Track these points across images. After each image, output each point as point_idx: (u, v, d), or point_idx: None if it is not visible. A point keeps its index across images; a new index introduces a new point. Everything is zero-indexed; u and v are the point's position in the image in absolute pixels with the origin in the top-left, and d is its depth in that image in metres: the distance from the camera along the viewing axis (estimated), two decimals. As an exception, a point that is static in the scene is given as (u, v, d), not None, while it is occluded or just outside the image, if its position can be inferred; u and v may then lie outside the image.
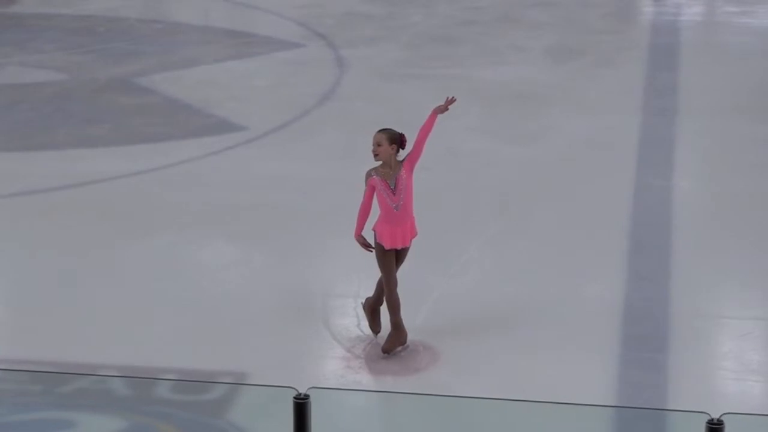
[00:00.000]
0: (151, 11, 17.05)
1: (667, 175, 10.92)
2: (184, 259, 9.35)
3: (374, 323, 8.10)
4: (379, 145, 7.70)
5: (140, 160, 11.34)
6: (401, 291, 7.83)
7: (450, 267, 9.02)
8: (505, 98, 13.08)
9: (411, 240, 7.85)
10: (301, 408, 5.00)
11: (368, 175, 7.78)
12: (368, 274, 8.50)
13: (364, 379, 7.64)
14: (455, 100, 7.88)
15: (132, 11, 16.79)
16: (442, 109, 7.85)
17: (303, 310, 8.47)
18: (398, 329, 7.86)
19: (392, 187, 7.73)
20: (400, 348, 7.89)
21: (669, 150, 11.58)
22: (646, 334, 8.12)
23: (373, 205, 7.81)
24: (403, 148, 7.76)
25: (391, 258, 7.79)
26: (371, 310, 8.08)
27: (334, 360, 7.88)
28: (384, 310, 7.97)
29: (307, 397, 5.02)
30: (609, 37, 15.50)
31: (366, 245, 7.86)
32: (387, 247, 7.77)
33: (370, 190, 7.78)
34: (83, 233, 9.78)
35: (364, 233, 7.87)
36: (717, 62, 14.38)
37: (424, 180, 10.60)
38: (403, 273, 7.91)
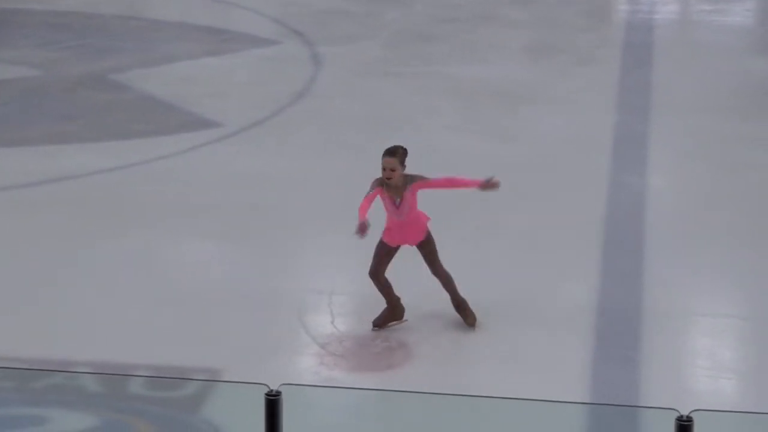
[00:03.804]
0: (127, 8, 16.97)
1: (641, 172, 10.96)
2: (158, 256, 9.32)
3: (466, 314, 8.09)
4: (393, 170, 7.73)
5: (116, 156, 11.30)
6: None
7: (424, 265, 9.00)
8: (483, 96, 13.09)
9: (416, 241, 7.94)
10: (273, 405, 4.99)
11: (376, 183, 7.79)
12: (343, 270, 8.52)
13: (338, 375, 7.64)
14: (498, 184, 7.97)
15: (108, 8, 16.70)
16: (487, 186, 7.97)
17: (278, 306, 8.46)
18: (394, 307, 7.98)
19: (397, 203, 7.82)
20: (395, 323, 7.96)
21: (644, 148, 11.62)
22: (620, 332, 8.14)
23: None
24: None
25: (383, 248, 7.88)
26: (457, 305, 8.09)
27: (308, 356, 7.88)
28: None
29: (278, 393, 5.02)
30: (585, 34, 15.53)
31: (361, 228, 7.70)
32: (384, 239, 7.90)
33: (374, 195, 7.78)
34: (57, 229, 9.73)
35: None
36: (692, 60, 14.43)
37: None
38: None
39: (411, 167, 10.84)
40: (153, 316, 8.32)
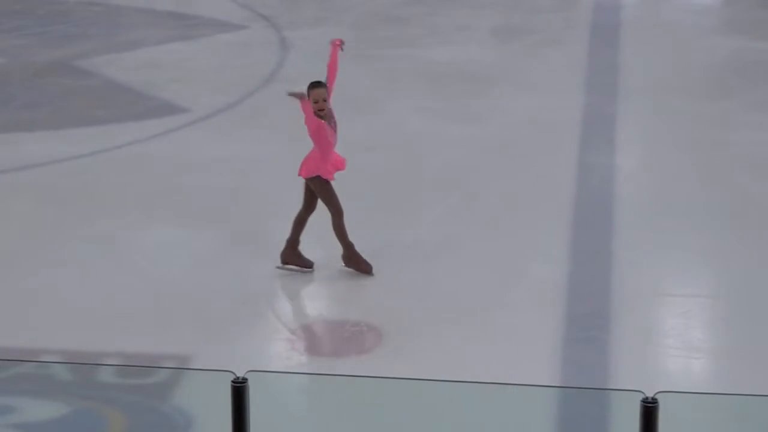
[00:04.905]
0: (92, -7, 16.87)
1: (610, 153, 10.98)
2: (126, 243, 9.27)
3: (301, 260, 8.37)
4: (325, 101, 8.08)
5: (82, 143, 11.23)
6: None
7: (394, 247, 9.01)
8: (451, 78, 13.09)
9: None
10: (239, 392, 4.97)
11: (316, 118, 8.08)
12: (313, 255, 8.49)
13: (308, 360, 7.63)
14: (343, 42, 8.52)
15: (72, -7, 16.60)
16: (337, 45, 8.46)
17: (248, 291, 8.43)
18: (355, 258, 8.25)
19: (332, 125, 8.18)
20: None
21: (612, 128, 11.65)
22: (589, 313, 8.15)
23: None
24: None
25: (332, 188, 8.18)
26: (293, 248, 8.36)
27: (279, 342, 7.86)
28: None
29: (245, 380, 4.99)
30: (553, 16, 15.55)
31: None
32: (331, 178, 8.20)
33: (315, 124, 8.08)
34: (23, 217, 9.67)
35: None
36: (659, 40, 14.47)
37: (370, 159, 10.59)
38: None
39: (379, 148, 10.87)
40: (122, 303, 8.27)
